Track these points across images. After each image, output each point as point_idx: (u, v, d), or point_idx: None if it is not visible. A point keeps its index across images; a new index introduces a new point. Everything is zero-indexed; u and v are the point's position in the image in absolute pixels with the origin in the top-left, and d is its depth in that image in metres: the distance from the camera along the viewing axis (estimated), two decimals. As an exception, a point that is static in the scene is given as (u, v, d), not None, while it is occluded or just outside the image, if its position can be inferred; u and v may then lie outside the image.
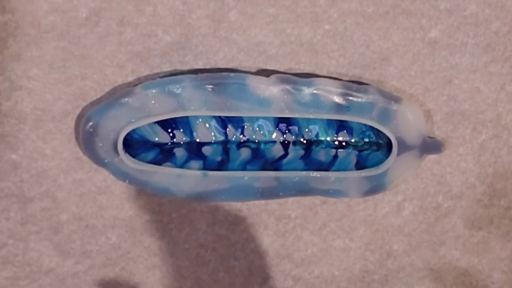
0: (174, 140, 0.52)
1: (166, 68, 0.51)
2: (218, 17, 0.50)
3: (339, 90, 0.50)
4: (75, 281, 0.56)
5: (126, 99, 0.49)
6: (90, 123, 0.49)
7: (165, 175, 0.51)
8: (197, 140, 0.52)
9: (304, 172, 0.51)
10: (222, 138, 0.52)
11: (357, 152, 0.52)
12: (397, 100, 0.50)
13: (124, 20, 0.50)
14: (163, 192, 0.52)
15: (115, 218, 0.54)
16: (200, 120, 0.51)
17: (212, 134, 0.52)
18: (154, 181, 0.51)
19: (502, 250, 0.57)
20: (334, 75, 0.52)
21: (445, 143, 0.53)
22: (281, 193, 0.52)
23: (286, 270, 0.56)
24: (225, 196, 0.52)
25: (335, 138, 0.52)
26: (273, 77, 0.50)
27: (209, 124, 0.51)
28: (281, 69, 0.52)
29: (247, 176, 0.51)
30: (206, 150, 0.52)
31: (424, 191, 0.55)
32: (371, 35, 0.51)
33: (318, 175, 0.51)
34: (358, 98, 0.50)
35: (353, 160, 0.53)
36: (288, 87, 0.49)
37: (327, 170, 0.52)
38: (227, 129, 0.52)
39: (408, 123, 0.50)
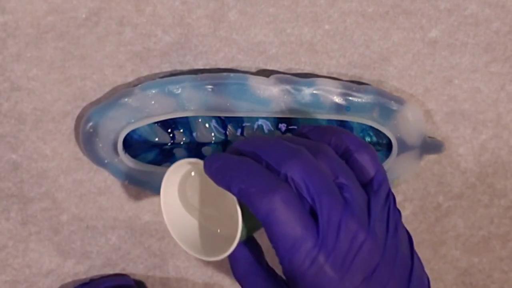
0: (174, 140, 0.51)
1: (166, 68, 0.51)
2: (218, 17, 0.50)
3: (339, 90, 0.50)
4: (75, 281, 0.56)
5: (125, 99, 0.49)
6: (90, 124, 0.49)
7: (165, 176, 0.51)
8: (197, 140, 0.52)
9: (304, 173, 0.51)
10: (222, 138, 0.52)
11: (357, 152, 0.52)
12: (397, 100, 0.50)
13: (124, 20, 0.49)
14: (163, 192, 0.52)
15: (115, 219, 0.54)
16: (200, 120, 0.51)
17: (212, 134, 0.51)
18: (154, 181, 0.51)
19: (502, 250, 0.57)
20: (334, 75, 0.52)
21: (445, 143, 0.53)
22: (281, 194, 0.52)
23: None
24: (225, 197, 0.52)
25: (335, 138, 0.52)
26: (273, 77, 0.50)
27: (209, 124, 0.51)
28: (281, 69, 0.51)
29: (247, 176, 0.51)
30: (206, 150, 0.52)
31: (424, 191, 0.55)
32: (371, 35, 0.51)
33: (318, 176, 0.51)
34: (358, 98, 0.50)
35: (353, 160, 0.52)
36: (288, 87, 0.49)
37: (327, 170, 0.52)
38: (227, 129, 0.52)
39: (408, 123, 0.50)
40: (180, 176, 0.43)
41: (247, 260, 0.42)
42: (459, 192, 0.56)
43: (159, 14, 0.49)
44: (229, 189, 0.38)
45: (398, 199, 0.55)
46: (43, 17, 0.49)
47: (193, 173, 0.44)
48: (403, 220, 0.56)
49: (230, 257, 0.43)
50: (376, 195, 0.39)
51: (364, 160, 0.40)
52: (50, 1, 0.48)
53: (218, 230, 0.44)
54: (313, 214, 0.37)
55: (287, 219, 0.36)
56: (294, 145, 0.38)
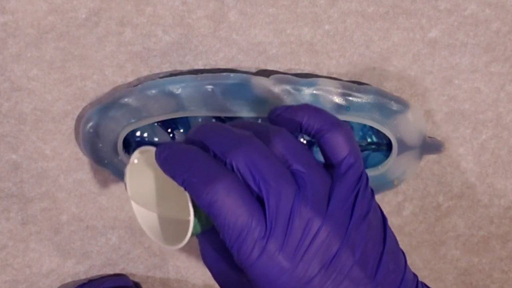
0: (174, 140, 0.51)
1: (166, 68, 0.51)
2: (218, 17, 0.50)
3: (339, 90, 0.50)
4: (75, 281, 0.56)
5: (126, 99, 0.49)
6: (90, 124, 0.49)
7: (165, 176, 0.51)
8: (197, 140, 0.52)
9: (304, 173, 0.51)
10: (222, 138, 0.52)
11: (357, 152, 0.52)
12: (397, 100, 0.50)
13: (124, 21, 0.49)
14: (163, 192, 0.52)
15: (115, 219, 0.54)
16: (200, 120, 0.51)
17: (212, 134, 0.51)
18: (154, 182, 0.51)
19: (502, 249, 0.57)
20: (334, 75, 0.52)
21: (445, 143, 0.53)
22: (281, 194, 0.52)
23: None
24: (225, 197, 0.52)
25: (335, 138, 0.52)
26: (273, 77, 0.49)
27: (209, 124, 0.51)
28: (281, 69, 0.51)
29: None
30: (206, 150, 0.52)
31: (424, 191, 0.55)
32: (371, 35, 0.51)
33: (318, 176, 0.51)
34: (358, 98, 0.50)
35: (353, 160, 0.52)
36: (288, 87, 0.49)
37: (327, 170, 0.52)
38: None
39: (408, 123, 0.50)
40: (144, 163, 0.43)
41: (215, 247, 0.41)
42: (459, 192, 0.56)
43: (159, 14, 0.49)
44: (174, 179, 0.37)
45: (398, 199, 0.55)
46: (43, 17, 0.49)
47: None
48: (404, 220, 0.56)
49: (199, 243, 0.42)
50: (342, 178, 0.37)
51: (337, 140, 0.38)
52: (50, 1, 0.48)
53: (183, 217, 0.43)
54: (263, 203, 0.36)
55: (231, 208, 0.35)
56: (242, 132, 0.37)
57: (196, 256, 0.56)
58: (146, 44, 0.50)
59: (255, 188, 0.36)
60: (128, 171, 0.42)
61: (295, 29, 0.50)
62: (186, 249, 0.56)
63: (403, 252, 0.40)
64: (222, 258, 0.41)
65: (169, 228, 0.42)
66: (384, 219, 0.39)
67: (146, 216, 0.43)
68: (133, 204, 0.43)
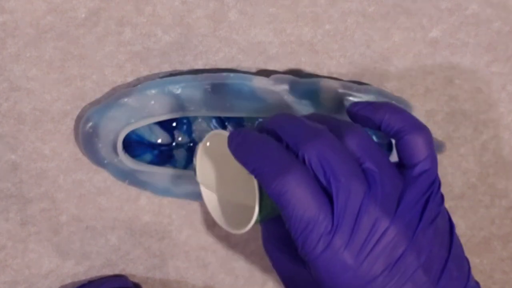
0: (174, 140, 0.51)
1: (166, 68, 0.51)
2: (218, 17, 0.50)
3: (340, 90, 0.49)
4: (74, 282, 0.56)
5: (125, 99, 0.49)
6: (90, 124, 0.49)
7: (165, 176, 0.51)
8: (197, 140, 0.51)
9: (304, 173, 0.51)
10: (222, 138, 0.51)
11: (357, 153, 0.52)
12: (398, 100, 0.50)
13: (123, 20, 0.49)
14: (163, 193, 0.52)
15: (115, 220, 0.54)
16: (200, 120, 0.51)
17: (212, 134, 0.51)
18: (154, 182, 0.51)
19: (503, 250, 0.57)
20: (334, 75, 0.52)
21: (446, 143, 0.53)
22: (281, 194, 0.52)
23: (287, 271, 0.56)
24: (225, 197, 0.52)
25: (335, 139, 0.52)
26: (273, 77, 0.49)
27: (209, 124, 0.51)
28: (281, 69, 0.51)
29: (247, 176, 0.51)
30: (206, 150, 0.52)
31: (425, 192, 0.55)
32: (372, 35, 0.51)
33: (319, 176, 0.51)
34: (359, 98, 0.50)
35: (354, 160, 0.52)
36: (288, 87, 0.49)
37: (327, 170, 0.52)
38: (227, 129, 0.51)
39: (409, 123, 0.50)
40: (213, 147, 0.43)
41: (278, 237, 0.41)
42: (460, 192, 0.55)
43: (159, 14, 0.49)
44: (245, 166, 0.37)
45: (398, 199, 0.55)
46: (42, 16, 0.49)
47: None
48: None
49: (262, 231, 0.42)
50: (415, 181, 0.37)
51: (416, 143, 0.38)
52: (50, 0, 0.48)
53: (246, 203, 0.43)
54: (332, 199, 0.36)
55: (300, 200, 0.35)
56: (317, 125, 0.37)
57: (196, 256, 0.56)
58: (146, 44, 0.50)
59: (324, 183, 0.36)
60: (198, 153, 0.42)
61: (295, 29, 0.50)
62: (185, 250, 0.56)
63: (467, 260, 0.40)
64: (284, 249, 0.41)
65: (231, 212, 0.43)
66: (451, 226, 0.39)
67: (211, 199, 0.43)
68: (202, 187, 0.43)
